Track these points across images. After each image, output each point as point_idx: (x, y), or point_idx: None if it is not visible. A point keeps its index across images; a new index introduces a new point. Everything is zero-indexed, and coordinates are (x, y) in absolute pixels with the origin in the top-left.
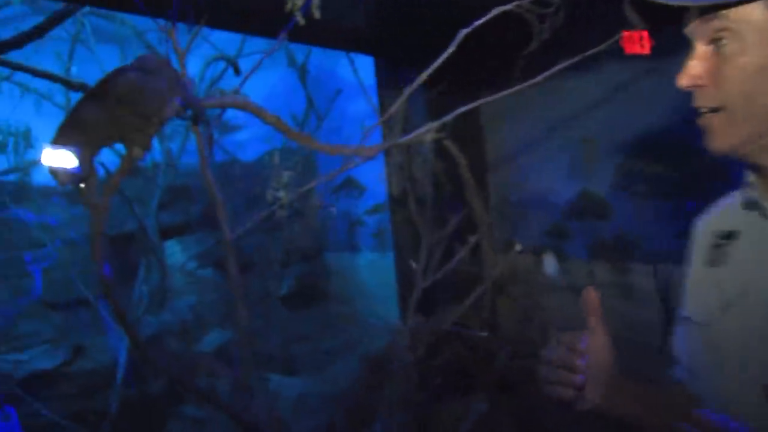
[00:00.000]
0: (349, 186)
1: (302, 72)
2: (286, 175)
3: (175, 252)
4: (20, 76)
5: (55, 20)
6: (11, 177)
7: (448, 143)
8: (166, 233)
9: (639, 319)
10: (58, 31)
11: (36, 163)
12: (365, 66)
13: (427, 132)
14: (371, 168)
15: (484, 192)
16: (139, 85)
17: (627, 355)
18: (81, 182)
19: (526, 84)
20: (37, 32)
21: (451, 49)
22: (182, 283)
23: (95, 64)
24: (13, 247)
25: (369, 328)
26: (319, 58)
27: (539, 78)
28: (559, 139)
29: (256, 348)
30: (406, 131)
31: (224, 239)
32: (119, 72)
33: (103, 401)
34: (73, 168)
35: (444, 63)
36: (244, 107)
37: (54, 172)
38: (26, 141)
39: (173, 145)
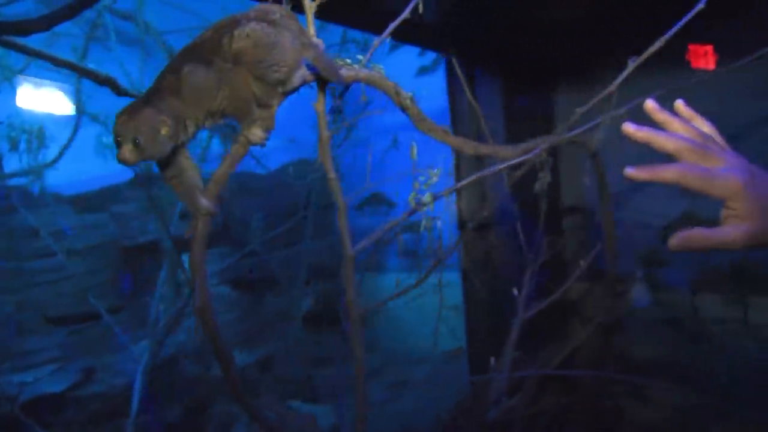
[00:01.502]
0: (376, 201)
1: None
2: (434, 173)
3: None
4: (33, 71)
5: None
6: (23, 180)
7: (597, 152)
8: (183, 246)
9: (759, 359)
10: (73, 29)
11: (50, 164)
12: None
13: (594, 129)
14: (402, 182)
15: (557, 211)
16: (266, 40)
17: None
18: (163, 156)
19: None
20: (69, 12)
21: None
22: None
23: (114, 65)
24: (19, 257)
25: (394, 355)
26: None
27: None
28: (655, 153)
29: (276, 372)
30: (480, 137)
31: (345, 253)
32: (237, 21)
33: (116, 430)
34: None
35: (520, 65)
36: (378, 83)
37: (132, 128)
38: (40, 140)
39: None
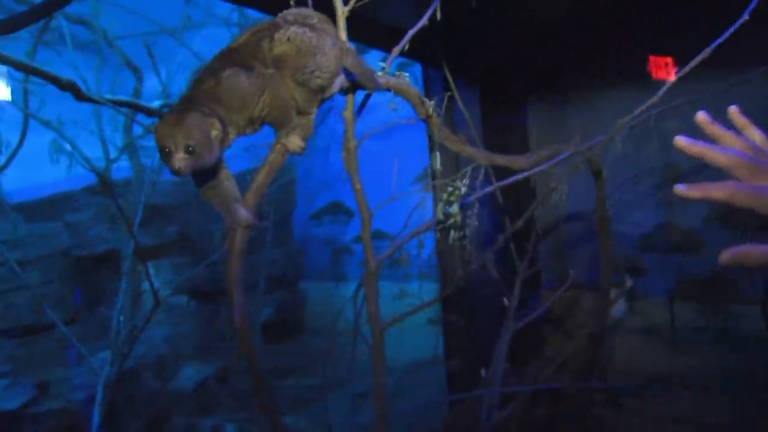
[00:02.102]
0: (335, 210)
1: None
2: (463, 184)
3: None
4: None
5: None
6: None
7: (596, 160)
8: (145, 254)
9: (738, 367)
10: (22, 32)
11: (1, 169)
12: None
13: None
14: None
15: (530, 220)
16: (308, 44)
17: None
18: (206, 168)
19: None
20: (33, 16)
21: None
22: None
23: (66, 69)
24: None
25: (358, 365)
26: None
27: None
28: (633, 163)
29: (234, 383)
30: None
31: (367, 267)
32: (276, 24)
33: None
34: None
35: (496, 74)
36: (405, 92)
37: (182, 134)
38: None
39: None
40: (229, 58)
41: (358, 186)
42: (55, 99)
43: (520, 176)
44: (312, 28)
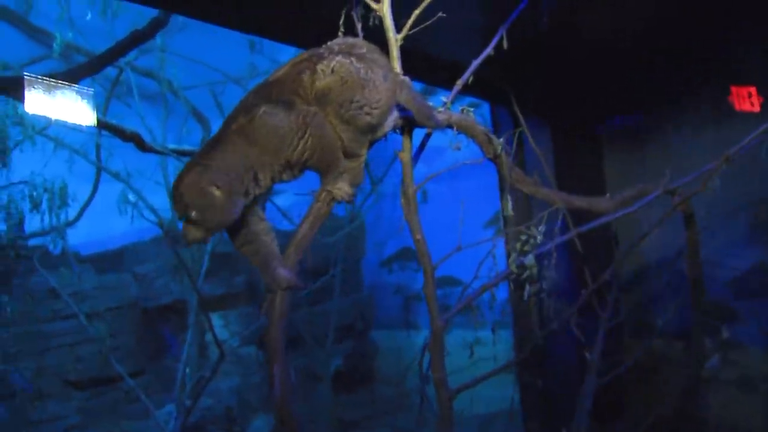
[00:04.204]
0: (405, 257)
1: None
2: (539, 232)
3: (215, 327)
4: (54, 130)
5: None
6: (42, 240)
7: (689, 209)
8: (207, 306)
9: None
10: (93, 85)
11: (71, 223)
12: None
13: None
14: (431, 236)
15: (607, 263)
16: (355, 76)
17: None
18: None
19: None
20: (95, 66)
21: None
22: (224, 363)
23: (134, 121)
24: (37, 319)
25: (425, 415)
26: None
27: None
28: (724, 200)
29: None
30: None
31: (433, 326)
32: (319, 55)
33: None
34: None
35: (568, 110)
36: (470, 129)
37: (181, 201)
38: (62, 199)
39: None
40: (265, 92)
41: (418, 236)
42: (123, 150)
43: (603, 220)
44: (360, 58)
